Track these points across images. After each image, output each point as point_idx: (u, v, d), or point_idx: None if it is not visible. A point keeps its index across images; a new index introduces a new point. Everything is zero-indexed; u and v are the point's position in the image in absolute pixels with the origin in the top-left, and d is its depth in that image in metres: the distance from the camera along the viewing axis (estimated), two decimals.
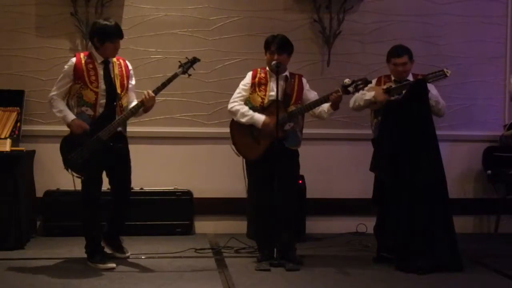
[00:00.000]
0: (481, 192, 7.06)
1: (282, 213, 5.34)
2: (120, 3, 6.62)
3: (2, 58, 6.54)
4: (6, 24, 6.54)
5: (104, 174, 5.43)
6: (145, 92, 5.28)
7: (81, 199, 5.35)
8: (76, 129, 5.17)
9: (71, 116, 5.20)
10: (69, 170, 5.24)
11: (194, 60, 5.34)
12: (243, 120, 5.42)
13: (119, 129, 5.30)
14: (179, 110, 6.70)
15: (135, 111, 5.27)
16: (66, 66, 5.31)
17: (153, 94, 5.26)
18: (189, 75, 5.37)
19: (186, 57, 5.39)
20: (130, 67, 5.47)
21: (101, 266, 5.24)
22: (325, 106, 5.46)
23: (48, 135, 6.48)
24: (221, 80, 6.70)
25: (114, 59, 5.35)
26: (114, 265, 5.28)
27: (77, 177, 5.25)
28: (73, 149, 5.18)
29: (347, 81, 5.33)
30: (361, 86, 5.35)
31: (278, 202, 5.31)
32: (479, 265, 5.58)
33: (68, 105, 5.28)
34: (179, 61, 5.37)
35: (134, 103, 5.34)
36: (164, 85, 5.29)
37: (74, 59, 5.29)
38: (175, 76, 5.30)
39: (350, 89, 5.33)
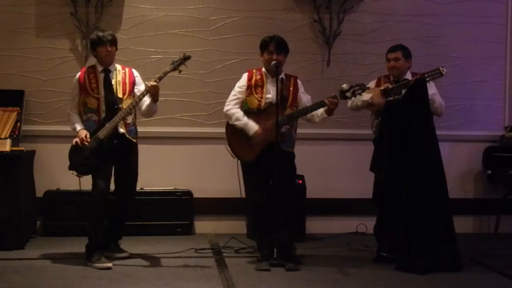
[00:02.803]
0: (481, 192, 7.06)
1: (281, 213, 5.34)
2: (120, 3, 6.62)
3: (2, 58, 6.54)
4: (6, 24, 6.54)
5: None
6: (147, 83, 5.39)
7: (90, 196, 5.42)
8: (81, 141, 5.34)
9: (78, 127, 5.43)
10: (74, 172, 5.42)
11: (185, 58, 5.42)
12: (237, 124, 5.44)
13: (122, 131, 5.41)
14: (179, 110, 6.70)
15: (138, 100, 5.40)
16: (73, 81, 5.54)
17: (154, 83, 5.36)
18: (180, 71, 5.44)
19: (179, 56, 5.46)
20: (135, 74, 5.64)
21: (97, 265, 5.26)
22: (319, 110, 5.46)
23: (48, 135, 6.51)
24: (221, 80, 6.70)
25: (119, 68, 5.54)
26: (110, 264, 5.29)
27: (77, 176, 5.45)
28: (76, 151, 5.38)
29: (345, 86, 5.35)
30: (358, 91, 5.36)
31: (276, 203, 5.31)
32: (479, 265, 5.58)
33: (80, 116, 5.49)
34: (172, 60, 5.45)
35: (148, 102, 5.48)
36: (160, 78, 5.39)
37: (78, 73, 5.53)
38: (165, 73, 5.38)
39: (348, 94, 5.34)
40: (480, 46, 7.04)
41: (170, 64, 5.43)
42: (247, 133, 5.41)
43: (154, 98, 5.40)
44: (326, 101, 5.32)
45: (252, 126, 5.40)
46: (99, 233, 5.39)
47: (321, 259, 5.69)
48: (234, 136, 5.50)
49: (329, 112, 5.40)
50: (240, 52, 6.71)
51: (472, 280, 5.13)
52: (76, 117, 5.47)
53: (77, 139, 5.35)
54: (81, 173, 5.42)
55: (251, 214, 5.78)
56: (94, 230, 5.38)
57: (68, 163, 5.44)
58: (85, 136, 5.32)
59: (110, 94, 5.43)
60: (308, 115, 5.50)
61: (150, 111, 5.54)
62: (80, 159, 5.33)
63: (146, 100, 5.43)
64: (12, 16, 6.54)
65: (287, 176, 5.37)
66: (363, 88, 5.38)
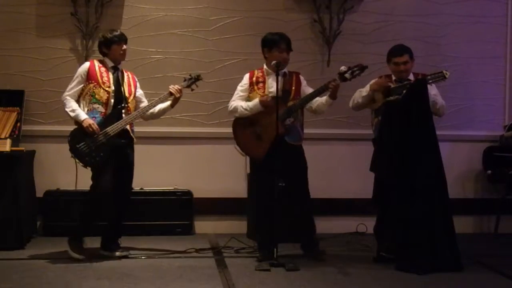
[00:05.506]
0: (481, 192, 7.06)
1: (298, 211, 5.41)
2: (120, 3, 6.63)
3: (2, 58, 6.54)
4: (6, 24, 6.55)
5: None
6: (172, 86, 5.57)
7: (89, 191, 5.49)
8: (87, 128, 5.36)
9: (83, 115, 5.42)
10: (75, 159, 5.43)
11: (197, 78, 5.66)
12: (246, 112, 5.47)
13: (127, 127, 5.48)
14: (179, 110, 6.66)
15: (159, 102, 5.58)
16: (79, 69, 5.56)
17: (180, 87, 5.58)
18: (192, 89, 5.69)
19: (190, 74, 5.67)
20: (136, 79, 5.73)
21: (77, 256, 5.45)
22: (323, 98, 5.48)
23: (48, 135, 6.51)
24: (221, 80, 6.70)
25: (123, 70, 5.61)
26: (83, 257, 5.43)
27: (82, 166, 5.46)
28: (82, 140, 5.39)
29: (343, 68, 5.37)
30: (357, 72, 5.38)
31: (290, 202, 5.34)
32: (479, 265, 5.58)
33: (79, 105, 5.49)
34: (184, 78, 5.65)
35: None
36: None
37: (88, 63, 5.58)
38: (182, 87, 5.62)
39: (347, 75, 5.36)
40: (480, 46, 7.04)
41: (183, 81, 5.63)
42: (258, 109, 5.42)
43: (175, 103, 5.60)
44: (329, 85, 5.34)
45: (256, 103, 5.44)
46: (88, 230, 5.53)
47: (321, 259, 5.68)
48: (242, 134, 5.52)
49: (333, 96, 5.40)
50: (240, 52, 6.71)
51: (472, 280, 5.13)
52: (75, 103, 5.47)
53: (89, 126, 5.33)
54: (86, 164, 5.42)
55: (255, 213, 5.77)
56: (84, 225, 5.53)
57: (68, 156, 5.43)
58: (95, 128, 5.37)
59: (119, 91, 5.50)
60: (314, 106, 5.52)
61: (161, 115, 5.73)
62: (86, 150, 5.35)
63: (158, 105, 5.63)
64: (12, 16, 6.55)
65: (296, 172, 5.40)
66: (362, 69, 5.39)
